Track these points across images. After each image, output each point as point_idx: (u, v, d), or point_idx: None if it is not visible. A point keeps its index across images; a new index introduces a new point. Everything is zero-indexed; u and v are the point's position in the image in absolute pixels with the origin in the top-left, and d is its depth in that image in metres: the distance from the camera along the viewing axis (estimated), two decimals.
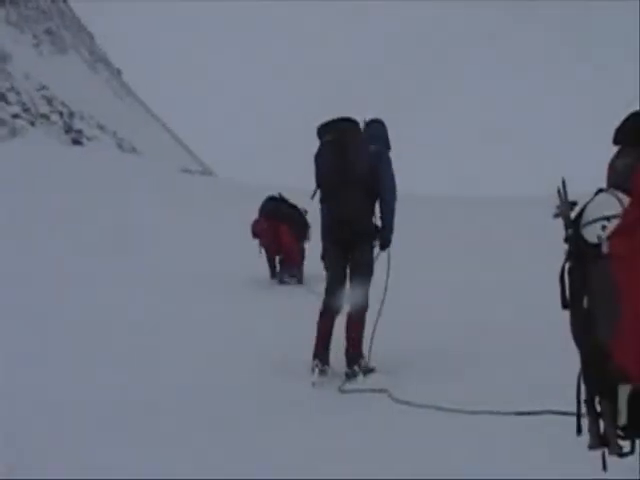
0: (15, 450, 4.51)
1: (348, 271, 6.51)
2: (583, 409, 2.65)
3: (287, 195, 11.21)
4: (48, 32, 72.14)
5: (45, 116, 51.14)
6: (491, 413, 4.99)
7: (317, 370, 6.21)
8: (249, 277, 10.63)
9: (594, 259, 2.48)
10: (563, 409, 4.52)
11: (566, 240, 2.60)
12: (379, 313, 6.46)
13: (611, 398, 2.46)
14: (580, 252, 2.54)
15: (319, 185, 6.57)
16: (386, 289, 6.55)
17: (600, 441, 2.52)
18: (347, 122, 6.54)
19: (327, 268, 6.69)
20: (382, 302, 6.50)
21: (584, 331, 2.50)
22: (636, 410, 2.42)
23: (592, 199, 2.55)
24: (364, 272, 6.40)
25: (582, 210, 2.56)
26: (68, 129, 49.72)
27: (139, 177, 21.21)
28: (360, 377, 6.14)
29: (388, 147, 6.70)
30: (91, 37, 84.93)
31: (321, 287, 9.23)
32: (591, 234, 2.50)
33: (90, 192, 17.21)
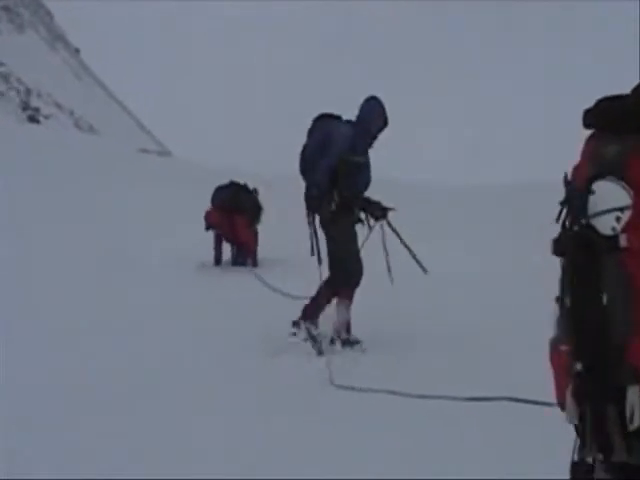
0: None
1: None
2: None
3: (237, 179, 11.32)
4: (5, 9, 71.05)
5: (1, 93, 50.66)
6: (441, 398, 5.10)
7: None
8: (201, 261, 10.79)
9: (609, 252, 2.32)
10: (520, 396, 4.82)
11: (570, 229, 2.42)
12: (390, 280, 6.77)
13: (617, 401, 2.32)
14: (592, 244, 2.35)
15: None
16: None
17: (599, 448, 2.37)
18: (319, 118, 6.88)
19: None
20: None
21: (599, 331, 2.32)
22: None
23: (591, 186, 2.38)
24: (328, 249, 6.78)
25: (584, 200, 2.39)
26: (25, 106, 49.35)
27: (95, 156, 21.42)
28: (300, 336, 6.58)
29: (363, 123, 6.73)
30: (50, 15, 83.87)
31: (271, 272, 9.69)
32: (604, 225, 2.34)
33: (45, 170, 17.41)
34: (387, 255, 6.85)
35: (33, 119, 45.65)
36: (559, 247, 2.44)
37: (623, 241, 2.31)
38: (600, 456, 2.36)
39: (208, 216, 10.95)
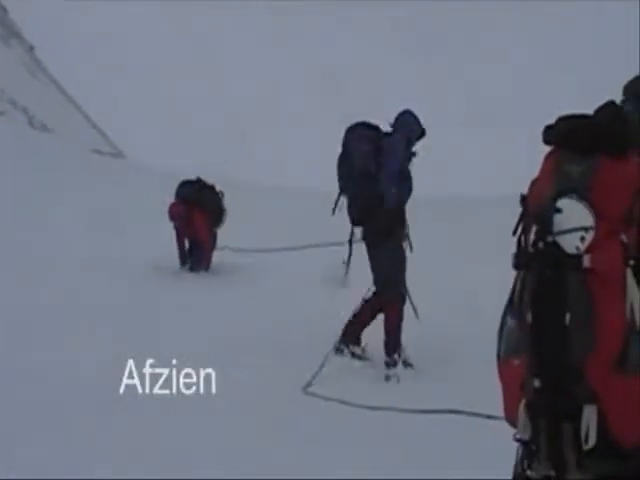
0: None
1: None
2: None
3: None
4: None
5: None
6: (390, 409, 5.36)
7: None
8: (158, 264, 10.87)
9: (572, 271, 2.33)
10: (473, 410, 5.06)
11: (535, 245, 2.40)
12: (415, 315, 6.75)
13: (573, 420, 2.34)
14: (557, 262, 2.35)
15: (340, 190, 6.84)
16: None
17: (553, 465, 2.39)
18: (357, 127, 6.80)
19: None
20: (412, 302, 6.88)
21: (560, 350, 2.33)
22: (601, 432, 2.31)
23: (554, 205, 2.38)
24: (379, 275, 6.71)
25: (550, 216, 2.37)
26: None
27: (47, 155, 21.38)
28: (400, 366, 6.54)
29: (405, 133, 6.75)
30: (4, 10, 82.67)
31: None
32: (569, 244, 2.34)
33: None
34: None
35: None
36: (520, 261, 2.45)
37: (587, 261, 2.31)
38: (553, 473, 2.38)
39: (171, 208, 10.96)
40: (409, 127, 6.79)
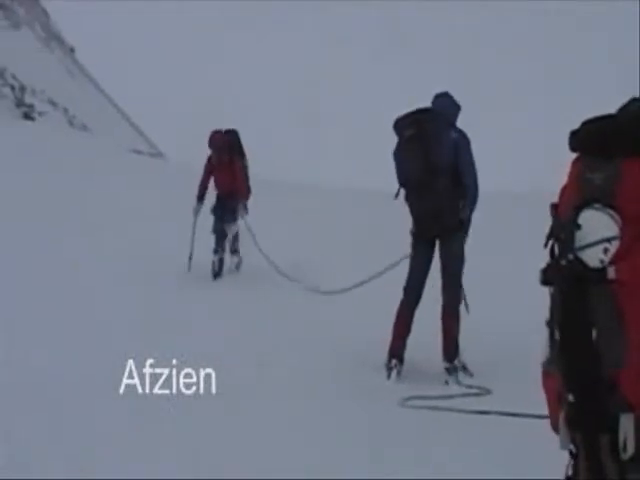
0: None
1: (440, 265, 6.41)
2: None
3: None
4: (1, 6, 71.12)
5: None
6: (430, 409, 5.38)
7: (395, 371, 6.27)
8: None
9: (598, 285, 2.29)
10: (512, 411, 5.04)
11: (558, 262, 2.39)
12: (466, 310, 6.43)
13: (610, 430, 2.31)
14: (581, 278, 2.31)
15: (403, 183, 6.38)
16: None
17: (593, 477, 2.38)
18: (426, 113, 6.34)
19: (411, 262, 6.49)
20: (464, 297, 6.47)
21: (589, 363, 2.30)
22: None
23: (578, 217, 2.34)
24: (457, 265, 6.37)
25: (571, 232, 2.34)
26: (19, 103, 49.38)
27: (87, 154, 21.64)
28: (460, 373, 6.25)
29: (453, 120, 6.48)
30: (46, 14, 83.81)
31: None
32: (593, 258, 2.30)
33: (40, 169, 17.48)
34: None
35: (28, 116, 45.71)
36: (547, 277, 2.42)
37: (611, 273, 2.27)
38: None
39: (214, 135, 10.66)
40: (453, 115, 6.55)
